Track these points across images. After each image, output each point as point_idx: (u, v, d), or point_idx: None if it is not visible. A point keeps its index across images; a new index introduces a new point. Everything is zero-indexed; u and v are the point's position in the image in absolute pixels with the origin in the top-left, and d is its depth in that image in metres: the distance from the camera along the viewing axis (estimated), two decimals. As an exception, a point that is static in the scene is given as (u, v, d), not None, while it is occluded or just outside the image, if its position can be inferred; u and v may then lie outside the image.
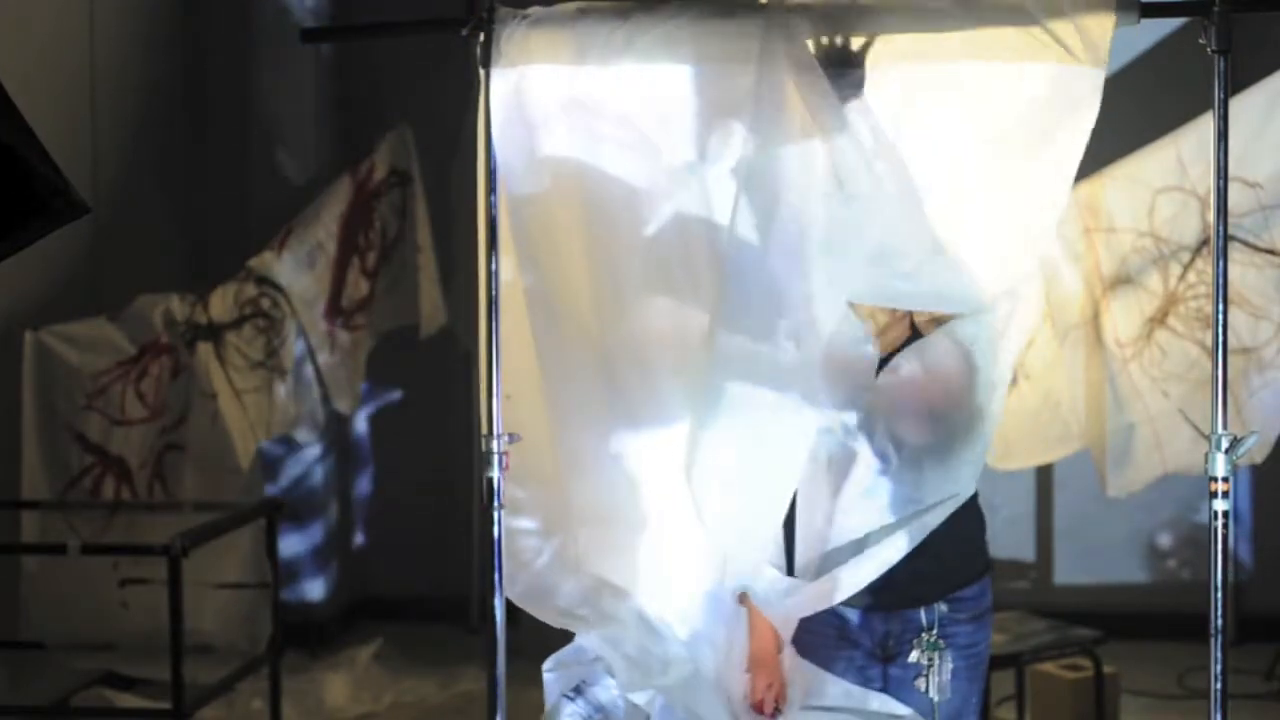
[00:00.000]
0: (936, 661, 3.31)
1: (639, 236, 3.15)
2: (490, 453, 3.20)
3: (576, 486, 3.27)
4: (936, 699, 3.30)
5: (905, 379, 3.21)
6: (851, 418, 3.16)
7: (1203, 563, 3.06)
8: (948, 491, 3.19)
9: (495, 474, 3.20)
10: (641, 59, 3.09)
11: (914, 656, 3.32)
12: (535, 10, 3.19)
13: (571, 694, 3.27)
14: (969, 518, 3.37)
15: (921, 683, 3.31)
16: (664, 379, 3.19)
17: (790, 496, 3.24)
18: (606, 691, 3.27)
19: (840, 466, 3.20)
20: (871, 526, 3.20)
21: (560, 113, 3.17)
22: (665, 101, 3.12)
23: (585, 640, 3.26)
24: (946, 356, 3.25)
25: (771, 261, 3.03)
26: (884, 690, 3.31)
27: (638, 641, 3.25)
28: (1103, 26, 2.94)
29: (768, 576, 3.27)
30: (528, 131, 3.19)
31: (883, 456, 3.18)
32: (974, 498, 3.44)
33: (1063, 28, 2.94)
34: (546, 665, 3.30)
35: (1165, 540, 7.27)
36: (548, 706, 3.27)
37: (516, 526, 3.31)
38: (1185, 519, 7.21)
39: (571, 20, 3.14)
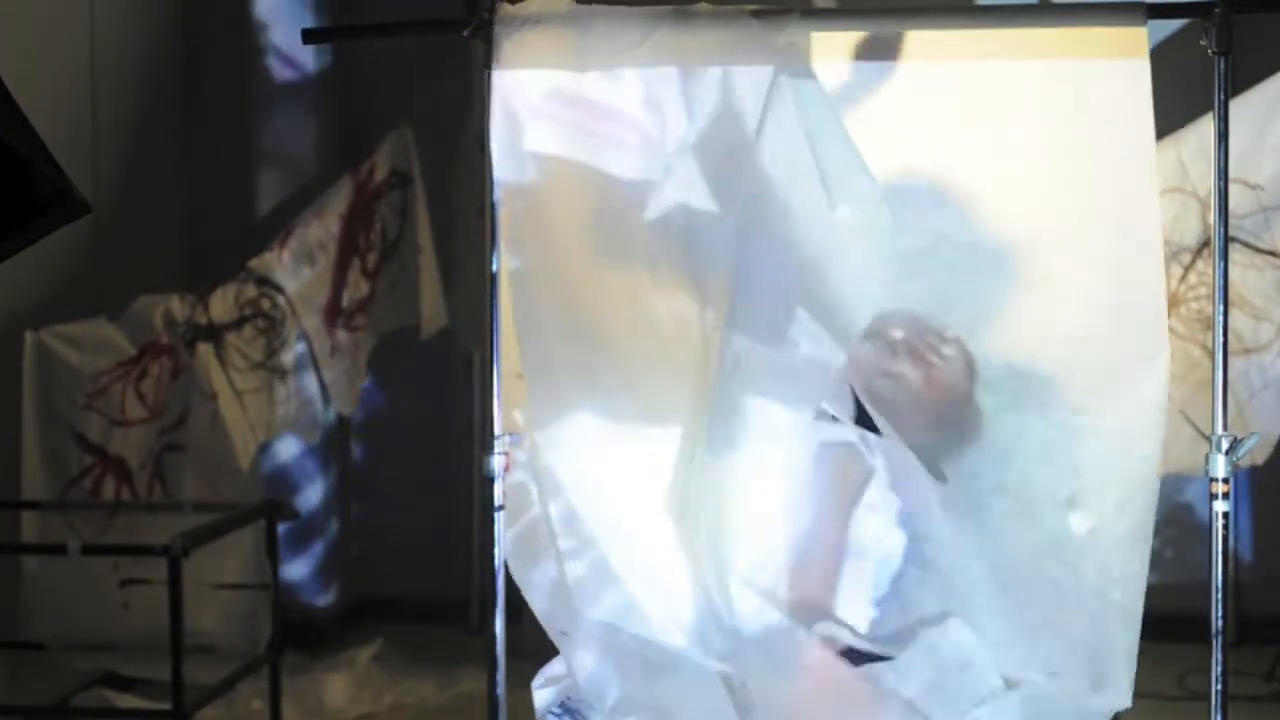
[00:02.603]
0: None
1: (638, 229, 3.11)
2: (490, 452, 3.18)
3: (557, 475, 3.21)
4: None
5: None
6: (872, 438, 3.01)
7: (1201, 563, 3.05)
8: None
9: (495, 474, 3.19)
10: (644, 65, 3.07)
11: None
12: (536, 9, 3.16)
13: (558, 710, 3.22)
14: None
15: None
16: (656, 376, 3.10)
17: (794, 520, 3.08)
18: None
19: (856, 482, 3.05)
20: (881, 542, 3.04)
21: (559, 108, 3.14)
22: (667, 100, 3.09)
23: (573, 656, 3.18)
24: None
25: (774, 260, 3.00)
26: None
27: (637, 648, 3.19)
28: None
29: (767, 618, 3.07)
30: (526, 128, 3.17)
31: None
32: None
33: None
34: (536, 683, 3.23)
35: (1164, 540, 7.26)
36: None
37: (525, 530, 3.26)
38: (1184, 518, 7.20)
39: (573, 21, 3.12)
